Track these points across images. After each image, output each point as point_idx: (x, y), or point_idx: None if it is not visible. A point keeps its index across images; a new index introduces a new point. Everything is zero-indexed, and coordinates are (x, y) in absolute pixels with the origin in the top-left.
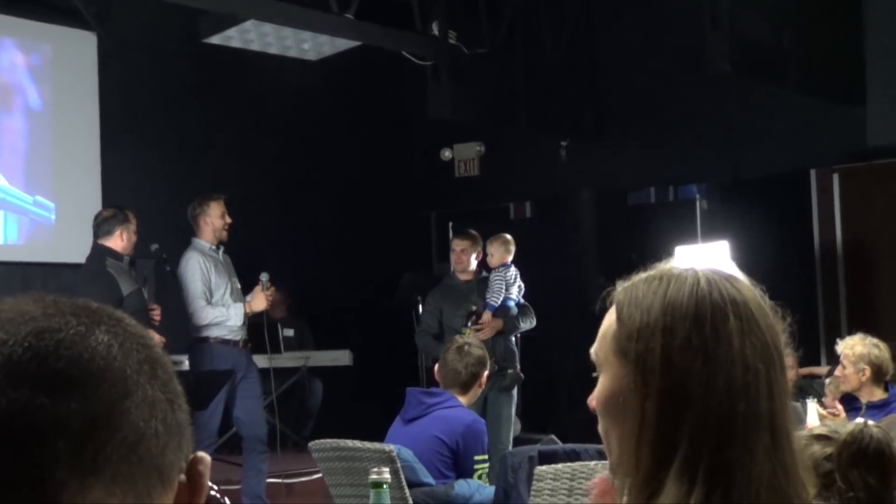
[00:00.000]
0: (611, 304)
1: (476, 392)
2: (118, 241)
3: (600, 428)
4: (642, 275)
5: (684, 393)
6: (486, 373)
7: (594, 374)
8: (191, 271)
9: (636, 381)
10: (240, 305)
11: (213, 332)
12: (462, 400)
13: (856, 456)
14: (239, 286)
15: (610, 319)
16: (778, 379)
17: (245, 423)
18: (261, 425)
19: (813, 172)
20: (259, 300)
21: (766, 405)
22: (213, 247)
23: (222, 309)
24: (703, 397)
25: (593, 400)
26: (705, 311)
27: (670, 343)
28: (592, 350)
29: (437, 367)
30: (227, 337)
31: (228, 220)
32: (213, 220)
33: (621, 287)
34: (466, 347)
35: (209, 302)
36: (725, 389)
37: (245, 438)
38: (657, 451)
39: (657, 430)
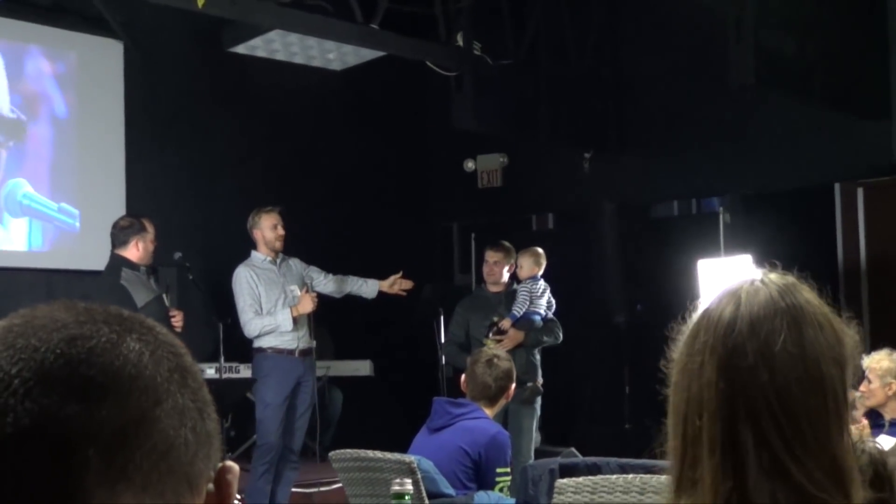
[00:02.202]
0: None
1: (502, 404)
2: (134, 250)
3: None
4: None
5: (674, 406)
6: (513, 385)
7: None
8: (237, 286)
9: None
10: (287, 311)
11: (267, 342)
12: (488, 412)
13: None
14: (299, 293)
15: None
16: (743, 401)
17: (285, 431)
18: (299, 436)
19: (837, 186)
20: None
21: (717, 425)
22: (269, 259)
23: (269, 318)
24: (676, 410)
25: None
26: (698, 326)
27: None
28: None
29: (463, 378)
30: (282, 346)
31: (281, 231)
32: (265, 232)
33: None
34: (495, 360)
35: (257, 313)
36: (684, 404)
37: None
38: (672, 465)
39: (669, 441)
